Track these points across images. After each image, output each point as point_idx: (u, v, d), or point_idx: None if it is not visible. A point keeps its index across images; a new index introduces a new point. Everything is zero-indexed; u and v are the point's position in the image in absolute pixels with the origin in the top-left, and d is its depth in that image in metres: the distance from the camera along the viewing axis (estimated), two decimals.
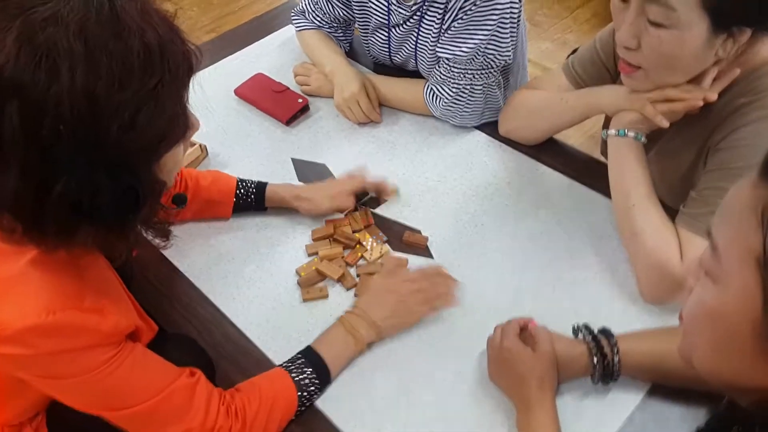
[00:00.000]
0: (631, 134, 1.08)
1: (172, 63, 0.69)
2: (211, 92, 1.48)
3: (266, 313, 1.07)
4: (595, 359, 0.92)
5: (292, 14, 1.56)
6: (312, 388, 0.94)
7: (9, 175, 0.64)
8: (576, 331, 0.97)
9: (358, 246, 1.16)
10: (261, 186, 1.20)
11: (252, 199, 1.19)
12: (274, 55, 1.59)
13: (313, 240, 1.17)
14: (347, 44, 1.57)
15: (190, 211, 1.18)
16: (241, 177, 1.21)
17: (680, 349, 0.62)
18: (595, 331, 0.95)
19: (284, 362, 0.96)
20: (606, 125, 1.33)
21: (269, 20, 1.72)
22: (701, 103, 1.00)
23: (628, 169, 1.08)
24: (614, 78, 1.22)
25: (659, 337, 0.96)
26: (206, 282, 1.12)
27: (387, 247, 1.16)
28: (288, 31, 1.64)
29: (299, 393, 0.93)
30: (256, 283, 1.12)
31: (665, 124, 1.03)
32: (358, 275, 1.12)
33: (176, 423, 0.83)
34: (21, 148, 0.62)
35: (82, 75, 0.62)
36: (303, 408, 0.94)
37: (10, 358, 0.73)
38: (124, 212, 0.71)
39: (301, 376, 0.94)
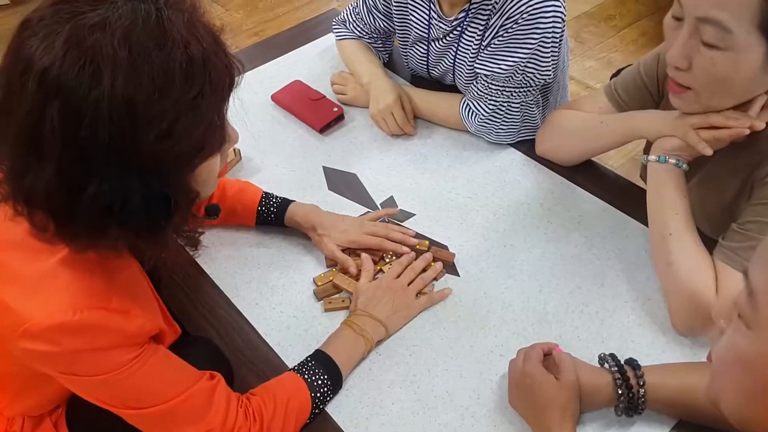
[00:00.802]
0: (672, 161, 1.05)
1: (214, 75, 0.70)
2: (248, 97, 1.49)
3: (287, 321, 1.07)
4: (620, 391, 0.89)
5: (333, 23, 1.57)
6: (324, 389, 0.95)
7: (45, 172, 0.66)
8: (602, 360, 0.94)
9: (379, 261, 1.15)
10: (283, 206, 1.18)
11: (272, 218, 1.18)
12: (313, 63, 1.60)
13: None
14: (386, 55, 1.57)
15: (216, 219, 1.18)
16: (269, 189, 1.20)
17: (708, 391, 0.60)
18: (622, 361, 0.92)
19: (295, 366, 0.97)
20: (647, 149, 1.30)
21: (311, 27, 1.73)
22: (747, 132, 0.96)
23: (666, 197, 1.05)
24: (657, 102, 1.19)
25: (689, 373, 0.92)
26: (231, 287, 1.13)
27: (396, 261, 1.15)
28: (328, 40, 1.65)
29: (312, 394, 0.93)
30: (279, 290, 1.12)
31: (708, 151, 1.00)
32: None
33: (196, 423, 0.84)
34: (58, 147, 0.64)
35: (123, 81, 0.63)
36: (317, 410, 0.94)
37: (36, 354, 0.74)
38: (155, 219, 0.72)
39: (313, 378, 0.94)
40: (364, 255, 1.13)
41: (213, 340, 1.03)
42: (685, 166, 1.05)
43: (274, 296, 1.11)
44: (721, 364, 0.57)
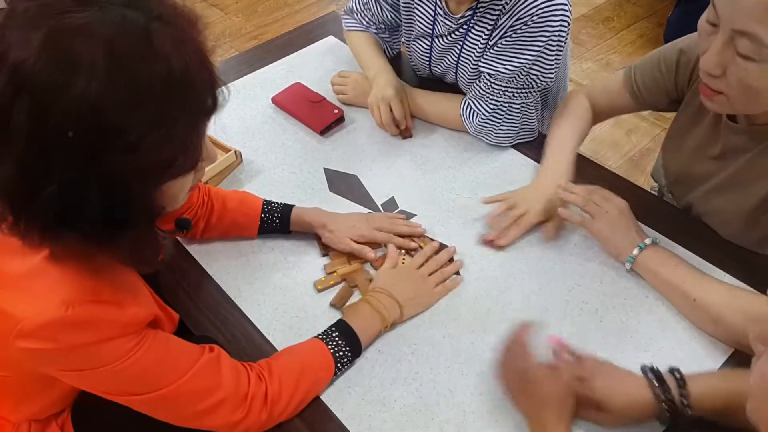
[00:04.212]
0: (642, 245, 1.08)
1: (194, 95, 0.69)
2: (249, 99, 1.52)
3: (290, 321, 1.08)
4: (666, 410, 0.86)
5: (342, 13, 1.57)
6: (345, 360, 0.99)
7: (6, 163, 0.65)
8: (644, 371, 0.91)
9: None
10: (286, 210, 1.18)
11: (276, 224, 1.18)
12: (313, 65, 1.61)
13: (331, 258, 1.18)
14: (396, 48, 1.57)
15: (216, 231, 1.18)
16: (270, 192, 1.20)
17: (747, 413, 0.60)
18: (662, 371, 0.89)
19: (320, 334, 1.00)
20: (654, 173, 1.32)
21: (310, 30, 1.74)
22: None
23: (667, 273, 1.06)
24: (669, 93, 1.22)
25: (737, 379, 0.88)
26: (234, 287, 1.13)
27: (408, 258, 1.17)
28: (328, 42, 1.66)
29: (336, 364, 0.97)
30: (281, 291, 1.13)
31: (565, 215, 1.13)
32: None
33: (209, 396, 0.85)
34: (22, 142, 0.63)
35: (96, 89, 0.62)
36: (335, 377, 0.99)
37: (34, 353, 0.74)
38: (110, 229, 0.70)
39: (335, 348, 0.98)
40: (390, 245, 1.16)
41: (216, 340, 1.04)
42: (654, 240, 1.09)
43: (276, 297, 1.12)
44: (756, 389, 0.57)
